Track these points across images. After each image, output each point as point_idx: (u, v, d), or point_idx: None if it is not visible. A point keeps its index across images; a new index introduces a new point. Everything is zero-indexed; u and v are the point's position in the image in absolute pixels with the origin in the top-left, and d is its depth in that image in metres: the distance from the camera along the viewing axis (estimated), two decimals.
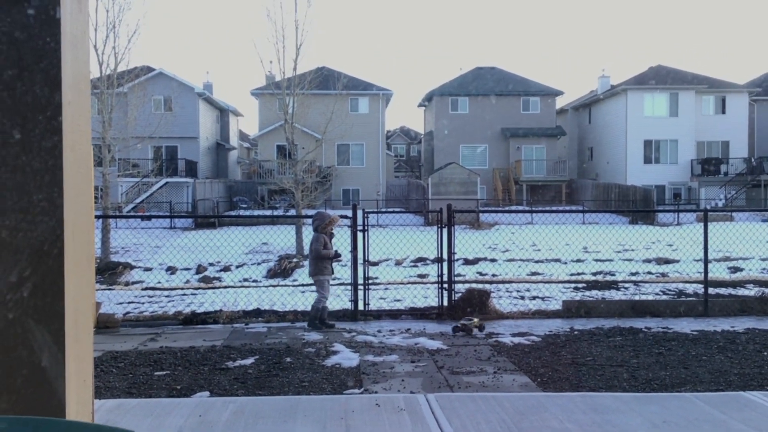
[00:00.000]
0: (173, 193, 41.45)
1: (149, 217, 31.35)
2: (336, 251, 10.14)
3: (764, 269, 22.09)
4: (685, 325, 9.74)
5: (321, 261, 10.07)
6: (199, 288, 18.90)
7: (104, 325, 9.74)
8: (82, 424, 1.66)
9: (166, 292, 17.82)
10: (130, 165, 34.87)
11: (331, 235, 10.25)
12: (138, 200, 39.50)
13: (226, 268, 24.76)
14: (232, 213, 40.96)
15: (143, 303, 15.67)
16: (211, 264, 24.82)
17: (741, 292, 15.03)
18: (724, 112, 47.08)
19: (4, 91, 2.52)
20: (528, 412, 5.32)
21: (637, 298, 14.23)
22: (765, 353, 7.86)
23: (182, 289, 18.77)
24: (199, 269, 24.46)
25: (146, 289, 18.93)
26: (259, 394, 6.24)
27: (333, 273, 10.27)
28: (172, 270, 24.23)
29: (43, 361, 2.49)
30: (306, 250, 27.19)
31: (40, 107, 2.56)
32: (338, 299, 13.05)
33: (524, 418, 5.16)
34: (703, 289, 11.29)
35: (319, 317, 9.88)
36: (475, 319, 9.29)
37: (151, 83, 40.25)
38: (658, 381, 6.59)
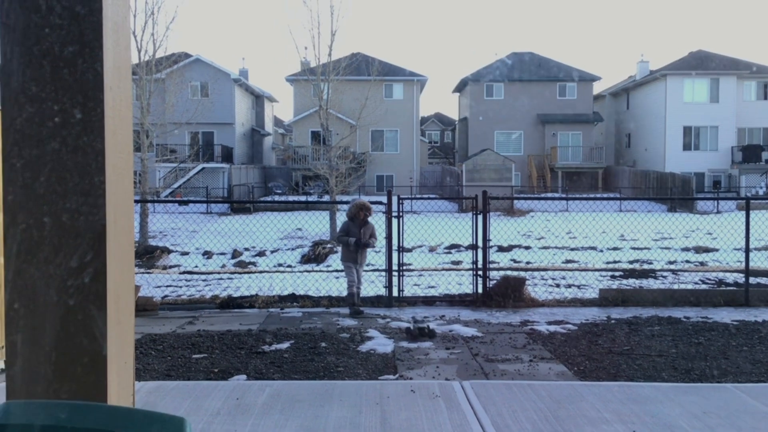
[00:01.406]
0: (209, 179, 41.87)
1: (186, 202, 31.73)
2: (357, 239, 9.95)
3: None
4: (725, 315, 9.56)
5: (344, 247, 10.13)
6: (235, 273, 19.09)
7: (143, 308, 9.90)
8: (125, 410, 1.68)
9: (203, 276, 18.04)
10: (168, 150, 35.30)
11: (364, 223, 10.07)
12: (175, 185, 39.98)
13: (261, 253, 24.97)
14: (267, 198, 41.25)
15: (181, 287, 15.88)
16: (246, 249, 25.05)
17: None
18: (766, 98, 45.97)
19: (65, 68, 2.50)
20: (564, 400, 5.28)
21: (675, 287, 14.01)
22: None
23: (218, 273, 18.98)
24: (235, 254, 24.70)
25: (183, 273, 19.18)
26: (295, 378, 6.28)
27: (358, 261, 10.09)
28: (208, 254, 24.51)
29: (104, 349, 2.51)
30: None
31: (99, 86, 2.55)
32: (372, 285, 13.07)
33: (561, 407, 5.12)
34: (743, 279, 11.07)
35: (349, 302, 9.93)
36: None
37: (188, 69, 40.59)
38: (697, 371, 6.49)
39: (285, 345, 7.62)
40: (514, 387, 5.66)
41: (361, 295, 10.39)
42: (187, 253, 24.67)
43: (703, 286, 14.53)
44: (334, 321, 9.21)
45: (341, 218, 28.31)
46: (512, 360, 6.92)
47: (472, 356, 7.10)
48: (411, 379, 6.20)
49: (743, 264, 11.21)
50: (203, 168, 41.53)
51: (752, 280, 11.26)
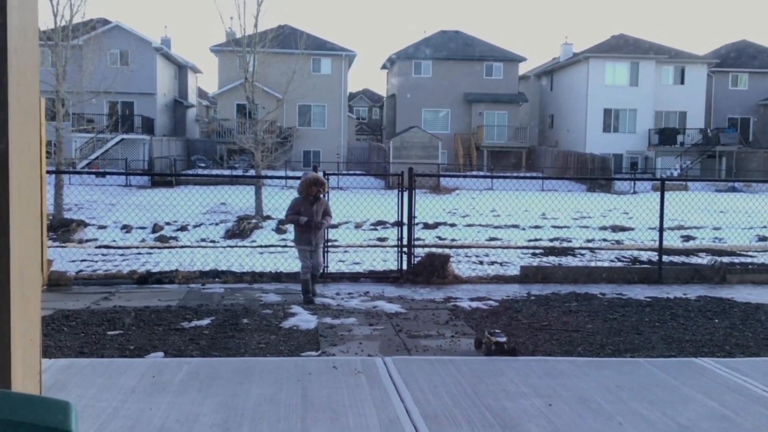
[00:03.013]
0: (129, 150, 40.59)
1: (104, 174, 30.68)
2: (308, 219, 8.89)
3: (716, 238, 22.61)
4: (639, 292, 9.90)
5: (296, 228, 9.13)
6: (154, 247, 18.62)
7: (56, 283, 9.52)
8: (10, 394, 1.57)
9: (120, 251, 17.52)
10: (85, 120, 33.96)
11: (317, 199, 9.00)
12: (92, 156, 38.59)
13: (183, 228, 24.42)
14: (190, 172, 40.34)
15: (97, 261, 15.38)
16: (167, 223, 24.45)
17: (694, 260, 15.36)
18: (682, 82, 47.67)
19: None
20: (484, 375, 5.35)
21: (592, 264, 14.44)
22: (716, 321, 8.04)
23: (137, 248, 18.47)
24: (156, 228, 24.09)
25: (100, 247, 18.59)
26: (215, 356, 6.16)
27: (312, 242, 8.99)
28: (127, 228, 23.82)
29: (7, 326, 2.37)
30: (266, 211, 26.97)
31: (2, 48, 2.38)
32: (296, 261, 12.96)
33: (481, 382, 5.19)
34: (657, 257, 11.48)
35: (303, 289, 8.93)
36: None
37: (107, 36, 39.02)
38: (612, 346, 6.70)
39: (205, 321, 7.47)
40: (436, 363, 5.70)
41: (286, 272, 10.17)
42: (104, 227, 23.90)
43: (619, 264, 15.04)
44: (257, 297, 9.09)
45: (267, 193, 27.96)
46: (435, 336, 6.98)
47: (395, 332, 7.12)
48: (334, 355, 6.17)
49: (657, 243, 11.63)
50: (122, 139, 40.22)
51: (665, 258, 11.69)
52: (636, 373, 5.54)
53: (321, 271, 9.68)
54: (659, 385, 5.21)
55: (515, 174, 40.20)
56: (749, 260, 15.70)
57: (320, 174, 9.60)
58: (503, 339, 6.24)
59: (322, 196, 9.15)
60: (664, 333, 7.31)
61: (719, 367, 5.69)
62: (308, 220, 8.90)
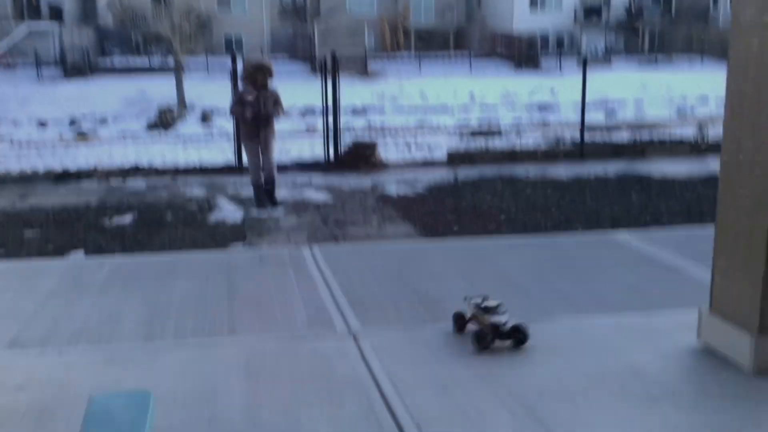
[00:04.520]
0: (38, 42, 38.18)
1: (13, 66, 28.93)
2: (254, 111, 7.71)
3: (637, 113, 23.14)
4: (562, 171, 10.12)
5: (241, 122, 8.15)
6: (72, 143, 17.91)
7: None
8: None
9: (36, 148, 16.79)
10: None
11: (263, 87, 7.84)
12: None
13: (102, 121, 23.50)
14: (106, 61, 38.41)
15: (10, 159, 14.72)
16: (85, 116, 23.46)
17: (615, 137, 15.71)
18: None
19: None
20: (410, 259, 5.44)
21: (518, 145, 14.62)
22: (633, 195, 8.32)
23: (54, 144, 17.73)
24: (73, 123, 23.10)
25: (14, 144, 17.76)
26: (138, 253, 6.05)
27: (261, 138, 7.87)
28: (42, 124, 22.76)
29: None
30: (189, 100, 26.08)
31: None
32: (222, 153, 12.68)
33: (406, 266, 5.27)
34: (579, 135, 11.68)
35: (255, 195, 8.01)
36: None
37: None
38: (533, 225, 6.87)
39: (127, 219, 7.29)
40: (363, 250, 5.76)
41: (210, 164, 9.63)
42: (17, 123, 22.78)
43: (544, 143, 15.27)
44: (181, 192, 8.89)
45: (189, 81, 26.95)
46: (362, 223, 7.02)
47: (322, 222, 7.13)
48: (261, 247, 6.14)
49: (580, 122, 11.80)
50: (30, 32, 37.76)
51: (587, 136, 11.90)
52: (556, 249, 5.72)
53: (275, 179, 8.05)
54: (577, 260, 5.40)
55: (443, 55, 39.81)
56: (668, 133, 16.17)
57: (263, 59, 8.75)
58: (502, 320, 3.67)
59: (269, 84, 7.96)
60: (584, 210, 7.53)
61: (634, 240, 5.92)
62: (254, 112, 7.75)
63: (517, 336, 3.68)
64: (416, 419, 3.04)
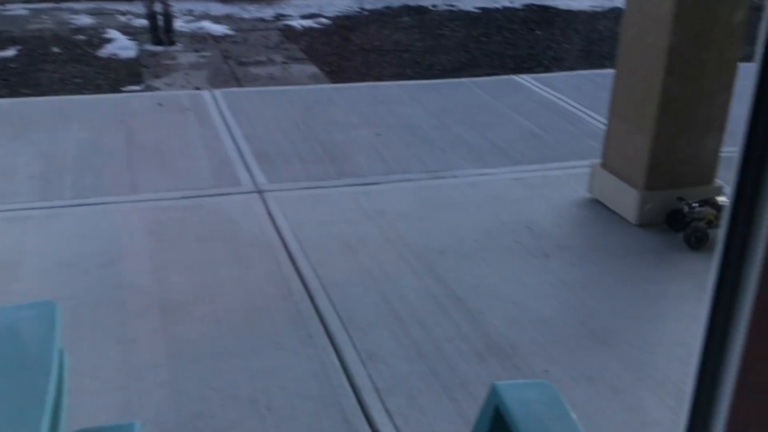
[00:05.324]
0: None
1: None
2: None
3: None
4: (469, 2, 9.91)
5: None
6: None
7: None
8: None
9: None
10: None
11: None
12: None
13: None
14: None
15: None
16: None
17: None
18: None
19: None
20: (315, 106, 5.36)
21: None
22: (538, 32, 8.32)
23: None
24: None
25: None
26: (26, 95, 5.69)
27: None
28: None
29: None
30: None
31: None
32: None
33: (311, 113, 5.20)
34: None
35: (150, 25, 7.30)
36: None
37: None
38: (439, 67, 6.83)
39: (10, 53, 6.76)
40: (267, 94, 5.61)
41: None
42: None
43: None
44: (68, 19, 8.23)
45: None
46: (265, 62, 6.78)
47: (223, 59, 6.83)
48: (158, 89, 5.88)
49: None
50: None
51: None
52: (460, 95, 5.75)
53: (170, 10, 7.38)
54: (481, 107, 5.47)
55: None
56: None
57: None
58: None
59: None
60: (489, 48, 7.52)
61: (536, 84, 6.02)
62: None
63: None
64: (323, 279, 3.16)
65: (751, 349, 0.67)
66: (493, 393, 1.47)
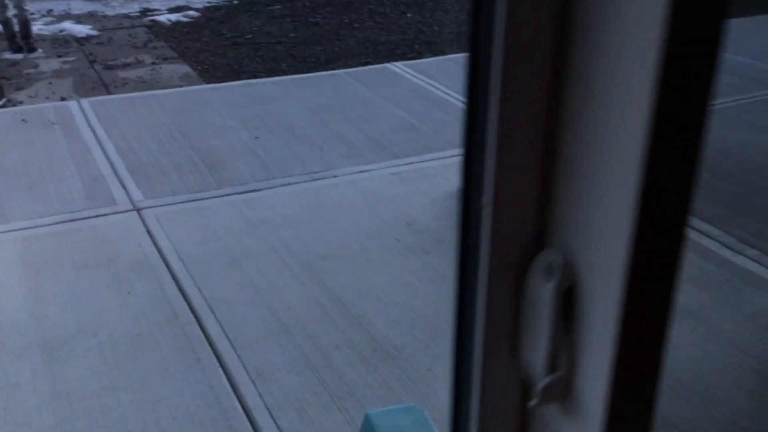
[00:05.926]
0: None
1: None
2: None
3: None
4: None
5: None
6: None
7: None
8: None
9: None
10: None
11: None
12: None
13: None
14: None
15: None
16: None
17: None
18: None
19: None
20: (190, 110, 5.28)
21: None
22: (409, 15, 8.45)
23: None
24: None
25: None
26: None
27: None
28: None
29: None
30: None
31: None
32: None
33: (186, 118, 5.12)
34: None
35: (5, 32, 6.87)
36: None
37: None
38: (314, 58, 6.85)
39: None
40: (137, 101, 5.46)
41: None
42: None
43: None
44: None
45: None
46: (134, 64, 6.58)
47: (89, 64, 6.58)
48: (21, 103, 5.62)
49: None
50: None
51: None
52: (336, 88, 5.79)
53: (27, 15, 6.92)
54: (357, 100, 5.54)
55: None
56: None
57: None
58: None
59: None
60: (362, 36, 7.58)
61: (409, 72, 6.14)
62: None
63: None
64: (208, 298, 3.17)
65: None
66: (366, 422, 1.57)
